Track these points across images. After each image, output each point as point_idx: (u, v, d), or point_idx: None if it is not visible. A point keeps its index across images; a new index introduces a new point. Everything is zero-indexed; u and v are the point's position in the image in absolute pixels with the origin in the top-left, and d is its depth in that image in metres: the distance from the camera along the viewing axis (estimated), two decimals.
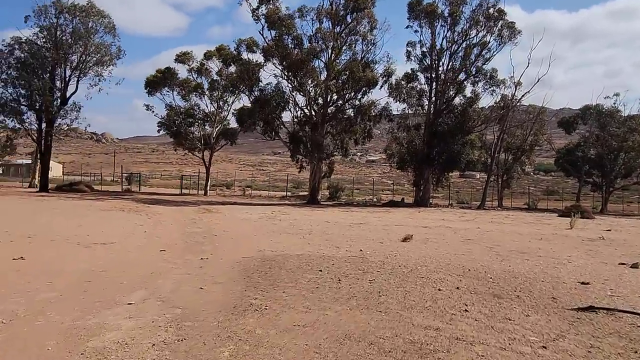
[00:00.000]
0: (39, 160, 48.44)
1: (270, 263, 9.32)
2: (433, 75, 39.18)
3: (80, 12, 38.22)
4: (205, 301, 6.54)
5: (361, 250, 11.65)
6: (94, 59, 39.87)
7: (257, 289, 7.17)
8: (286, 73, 37.52)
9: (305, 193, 46.67)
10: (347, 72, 36.74)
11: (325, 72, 37.64)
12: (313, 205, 34.51)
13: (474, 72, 38.61)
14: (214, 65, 44.82)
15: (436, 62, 39.01)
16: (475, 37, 38.19)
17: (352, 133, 38.18)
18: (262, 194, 51.68)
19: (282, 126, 39.21)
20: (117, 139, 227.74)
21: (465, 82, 39.14)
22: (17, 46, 38.21)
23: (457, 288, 7.79)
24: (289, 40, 36.88)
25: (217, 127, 47.49)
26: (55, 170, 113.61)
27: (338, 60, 38.39)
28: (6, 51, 38.03)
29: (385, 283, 7.87)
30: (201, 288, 7.29)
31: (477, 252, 11.99)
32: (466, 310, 6.46)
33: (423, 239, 14.48)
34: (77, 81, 39.79)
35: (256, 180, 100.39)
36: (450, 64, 38.83)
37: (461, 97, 39.47)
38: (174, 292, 7.08)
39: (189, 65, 44.99)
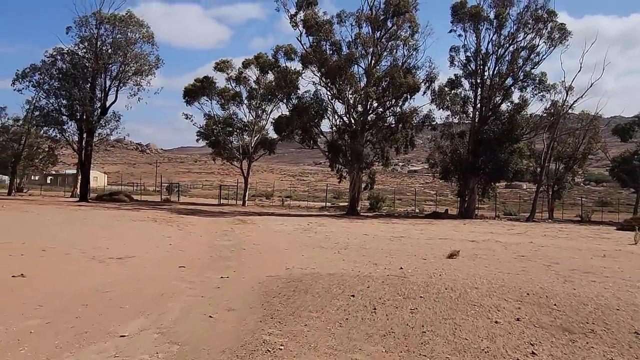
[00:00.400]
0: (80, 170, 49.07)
1: (296, 285, 8.15)
2: (478, 81, 37.41)
3: (120, 22, 38.39)
4: (212, 334, 5.45)
5: (402, 268, 10.36)
6: (133, 68, 39.96)
7: (274, 320, 6.02)
8: (324, 80, 36.55)
9: (345, 204, 45.45)
10: (388, 79, 35.46)
11: (365, 79, 36.50)
12: (352, 216, 33.26)
13: (521, 77, 36.64)
14: (252, 73, 44.42)
15: (481, 67, 37.24)
16: (523, 40, 36.31)
17: (393, 142, 36.76)
18: (301, 205, 50.77)
19: (320, 135, 38.16)
20: (161, 149, 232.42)
21: (512, 88, 37.17)
22: (59, 57, 38.69)
23: (518, 319, 6.44)
24: (327, 46, 35.95)
25: (255, 136, 46.93)
26: (100, 180, 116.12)
27: (378, 67, 37.21)
28: (49, 62, 38.54)
29: (429, 313, 6.58)
30: (211, 316, 6.21)
31: (533, 271, 10.49)
32: (534, 353, 5.14)
33: (471, 254, 13.03)
34: (117, 91, 39.99)
35: (296, 190, 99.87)
36: (497, 68, 36.98)
37: (508, 104, 37.51)
38: (178, 320, 6.02)
39: (227, 73, 44.70)
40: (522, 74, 36.57)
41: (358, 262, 11.17)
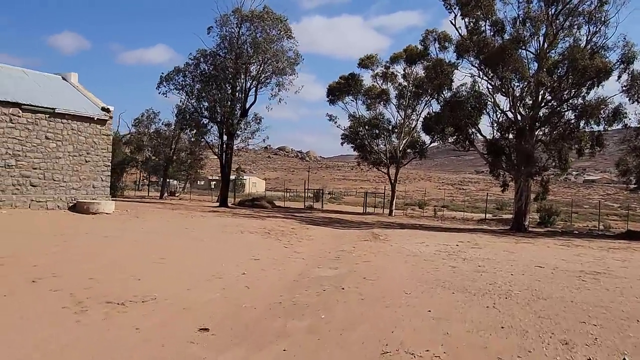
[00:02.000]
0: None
1: None
2: None
3: (258, 19, 36.30)
4: None
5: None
6: (272, 67, 37.69)
7: None
8: (483, 69, 30.54)
9: (509, 216, 38.48)
10: (566, 62, 28.34)
11: (535, 65, 29.71)
12: (518, 233, 26.75)
13: None
14: (401, 68, 39.65)
15: None
16: None
17: (574, 141, 29.27)
18: (456, 216, 44.61)
19: (478, 134, 31.99)
20: (320, 157, 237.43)
21: None
22: (202, 59, 37.77)
23: None
24: (487, 26, 29.89)
25: (404, 139, 42.05)
26: (259, 185, 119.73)
27: (553, 50, 30.21)
28: (192, 64, 37.83)
29: None
30: None
31: None
32: None
33: None
34: (256, 91, 38.06)
35: (454, 200, 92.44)
36: None
37: None
38: None
39: (373, 70, 40.54)
40: None
41: (531, 336, 5.95)
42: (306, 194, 50.16)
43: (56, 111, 21.59)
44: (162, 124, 47.20)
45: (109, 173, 24.70)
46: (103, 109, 24.06)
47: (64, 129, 22.15)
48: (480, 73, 31.12)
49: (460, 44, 31.02)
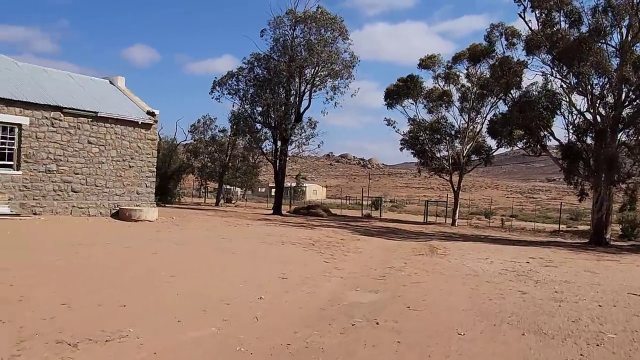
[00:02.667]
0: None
1: None
2: None
3: (311, 20, 34.94)
4: None
5: None
6: (326, 70, 36.22)
7: None
8: (557, 65, 27.67)
9: (585, 227, 34.99)
10: None
11: (617, 60, 26.57)
12: (598, 247, 23.72)
13: None
14: (464, 69, 37.05)
15: None
16: None
17: None
18: (526, 227, 41.28)
19: (550, 137, 28.98)
20: (383, 164, 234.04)
21: None
22: (255, 63, 36.83)
23: None
24: (561, 18, 27.01)
25: (468, 143, 39.34)
26: (320, 193, 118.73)
27: (638, 44, 26.96)
28: (246, 68, 36.95)
29: None
30: None
31: None
32: None
33: None
34: (310, 95, 36.67)
35: (523, 209, 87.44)
36: None
37: None
38: None
39: (434, 71, 38.16)
40: None
41: None
42: (363, 202, 48.06)
43: (99, 115, 20.91)
44: (218, 130, 46.74)
45: (154, 179, 23.90)
46: (148, 112, 23.30)
47: (107, 133, 21.46)
48: (553, 71, 28.25)
49: (531, 39, 28.27)
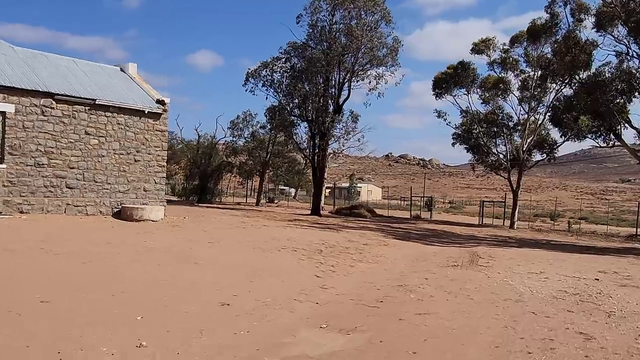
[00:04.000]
0: (324, 181, 44.45)
1: None
2: None
3: (351, 2, 31.88)
4: None
5: None
6: (369, 56, 33.06)
7: None
8: (636, 41, 23.34)
9: None
10: None
11: None
12: None
13: None
14: (523, 51, 32.71)
15: None
16: None
17: None
18: (597, 231, 36.41)
19: (627, 125, 24.53)
20: (444, 164, 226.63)
21: None
22: (292, 52, 34.13)
23: None
24: None
25: (528, 136, 34.99)
26: (375, 193, 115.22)
27: None
28: (283, 58, 34.30)
29: None
30: None
31: None
32: None
33: None
34: (349, 85, 33.57)
35: (594, 211, 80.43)
36: None
37: None
38: None
39: (489, 56, 34.03)
40: None
41: None
42: (415, 203, 44.10)
43: (97, 102, 18.76)
44: (260, 127, 44.39)
45: (164, 174, 21.57)
46: (158, 101, 21.01)
47: (108, 123, 19.30)
48: (630, 49, 23.91)
49: (602, 11, 24.08)
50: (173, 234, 15.60)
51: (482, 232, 29.95)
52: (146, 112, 20.22)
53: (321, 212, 39.46)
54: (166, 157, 21.58)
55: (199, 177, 43.24)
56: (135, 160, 20.15)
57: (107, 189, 19.34)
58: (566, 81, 26.32)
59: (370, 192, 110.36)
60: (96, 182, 19.00)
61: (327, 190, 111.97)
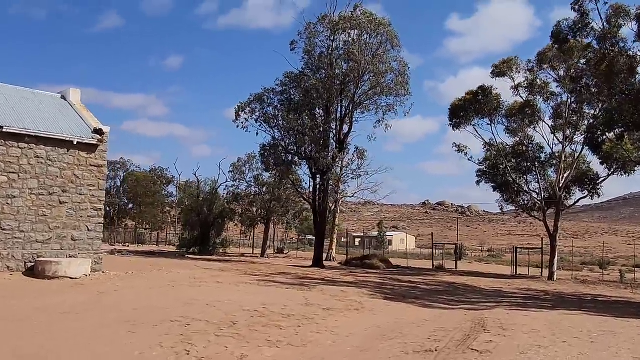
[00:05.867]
0: (335, 228, 39.91)
1: None
2: None
3: (351, 25, 28.25)
4: None
5: None
6: (373, 82, 29.13)
7: None
8: None
9: None
10: None
11: None
12: None
13: None
14: (551, 71, 27.94)
15: None
16: None
17: None
18: None
19: None
20: (484, 211, 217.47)
21: None
22: (289, 83, 30.38)
23: None
24: None
25: (565, 170, 29.82)
26: (409, 242, 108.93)
27: None
28: (278, 90, 30.49)
29: None
30: None
31: None
32: None
33: None
34: (351, 117, 29.50)
35: None
36: None
37: None
38: None
39: (512, 79, 29.37)
40: None
41: None
42: (435, 251, 38.56)
43: (5, 130, 15.15)
44: (264, 169, 40.47)
45: (101, 219, 17.60)
46: (95, 130, 17.32)
47: (22, 156, 15.62)
48: None
49: None
50: (61, 296, 11.39)
51: (513, 285, 24.67)
52: (75, 142, 16.51)
53: (331, 262, 34.87)
54: (104, 198, 17.63)
55: (199, 226, 39.40)
56: (61, 202, 16.30)
57: (20, 238, 15.47)
58: (602, 99, 21.42)
59: (402, 241, 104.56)
60: (3, 229, 15.13)
61: (358, 240, 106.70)
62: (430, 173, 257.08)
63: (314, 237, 59.08)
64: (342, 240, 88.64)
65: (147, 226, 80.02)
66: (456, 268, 35.42)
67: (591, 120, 26.78)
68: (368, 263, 32.50)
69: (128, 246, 45.11)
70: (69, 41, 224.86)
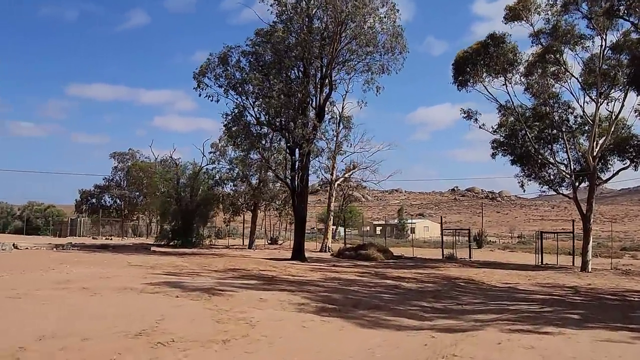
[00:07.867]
0: (330, 214, 34.84)
1: None
2: None
3: None
4: None
5: None
6: (365, 39, 23.86)
7: None
8: None
9: None
10: None
11: None
12: None
13: None
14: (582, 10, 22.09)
15: None
16: None
17: None
18: None
19: None
20: (516, 196, 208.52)
21: None
22: (258, 40, 25.31)
23: None
24: None
25: (600, 136, 24.06)
26: (432, 229, 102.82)
27: None
28: (248, 50, 25.39)
29: None
30: None
31: None
32: None
33: None
34: (331, 77, 24.30)
35: None
36: None
37: None
38: None
39: (531, 23, 23.61)
40: None
41: None
42: (442, 241, 32.59)
43: None
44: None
45: None
46: None
47: None
48: None
49: None
50: None
51: (534, 279, 19.33)
52: None
53: (325, 252, 30.07)
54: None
55: (180, 216, 34.84)
56: None
57: None
58: None
59: (426, 228, 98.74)
60: None
61: (379, 229, 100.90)
62: (459, 160, 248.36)
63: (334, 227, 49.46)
64: (364, 230, 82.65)
65: (156, 218, 76.23)
66: (469, 258, 29.92)
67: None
68: (363, 254, 27.47)
69: (107, 239, 41.03)
70: (98, 40, 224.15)
